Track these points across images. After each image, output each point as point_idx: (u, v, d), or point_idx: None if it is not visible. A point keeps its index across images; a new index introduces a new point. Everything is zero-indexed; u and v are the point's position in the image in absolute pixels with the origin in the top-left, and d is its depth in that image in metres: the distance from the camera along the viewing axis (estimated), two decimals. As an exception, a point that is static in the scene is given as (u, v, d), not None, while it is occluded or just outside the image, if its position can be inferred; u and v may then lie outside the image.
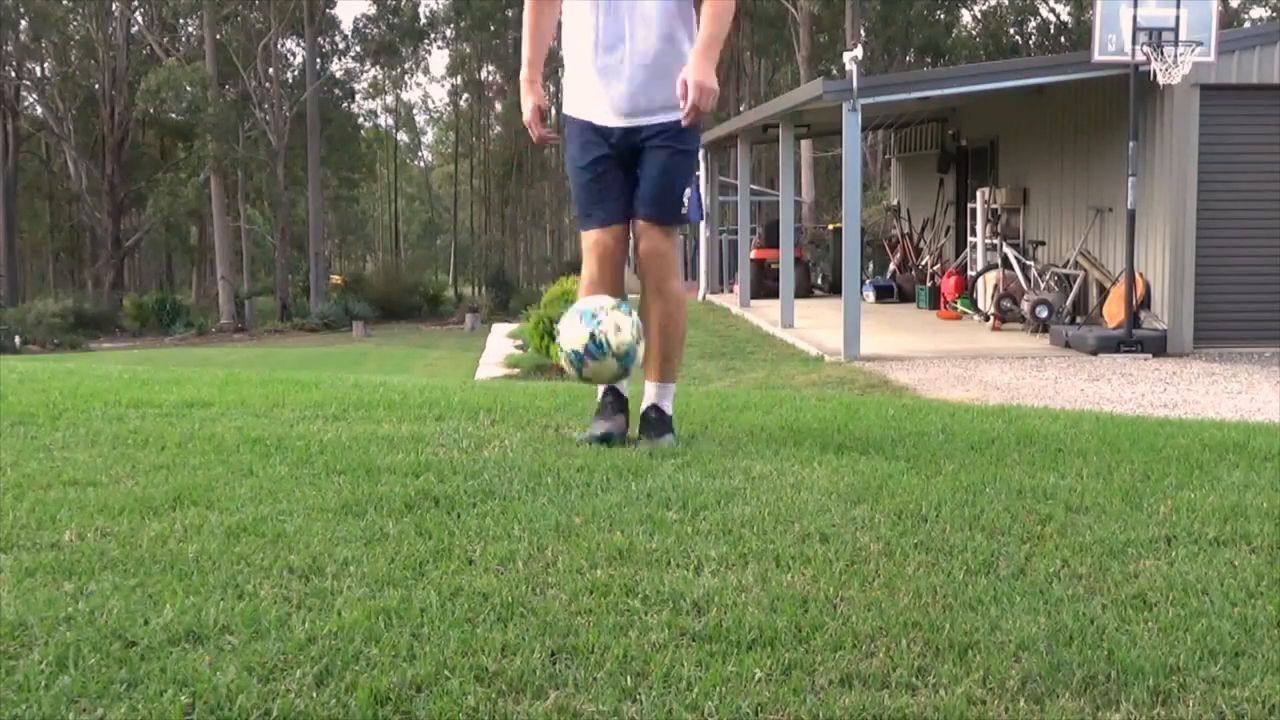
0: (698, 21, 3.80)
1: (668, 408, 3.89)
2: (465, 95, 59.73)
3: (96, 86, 45.46)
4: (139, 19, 47.87)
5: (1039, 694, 1.89)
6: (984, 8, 50.81)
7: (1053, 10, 50.57)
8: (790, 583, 2.35)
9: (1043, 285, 14.27)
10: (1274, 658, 2.03)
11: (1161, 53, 11.74)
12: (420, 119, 73.62)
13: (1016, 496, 3.08)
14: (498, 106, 58.36)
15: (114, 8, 45.19)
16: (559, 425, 4.06)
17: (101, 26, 44.76)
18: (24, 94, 46.85)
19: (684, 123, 3.69)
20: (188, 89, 40.90)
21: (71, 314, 37.42)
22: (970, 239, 16.88)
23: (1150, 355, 12.25)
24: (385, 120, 65.83)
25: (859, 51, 13.12)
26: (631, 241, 3.94)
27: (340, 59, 51.41)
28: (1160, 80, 11.90)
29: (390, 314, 43.16)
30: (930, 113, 18.19)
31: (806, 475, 3.28)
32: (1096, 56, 12.30)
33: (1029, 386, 10.38)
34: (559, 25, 3.89)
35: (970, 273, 16.20)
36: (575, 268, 4.16)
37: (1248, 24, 40.22)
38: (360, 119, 57.69)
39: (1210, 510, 2.96)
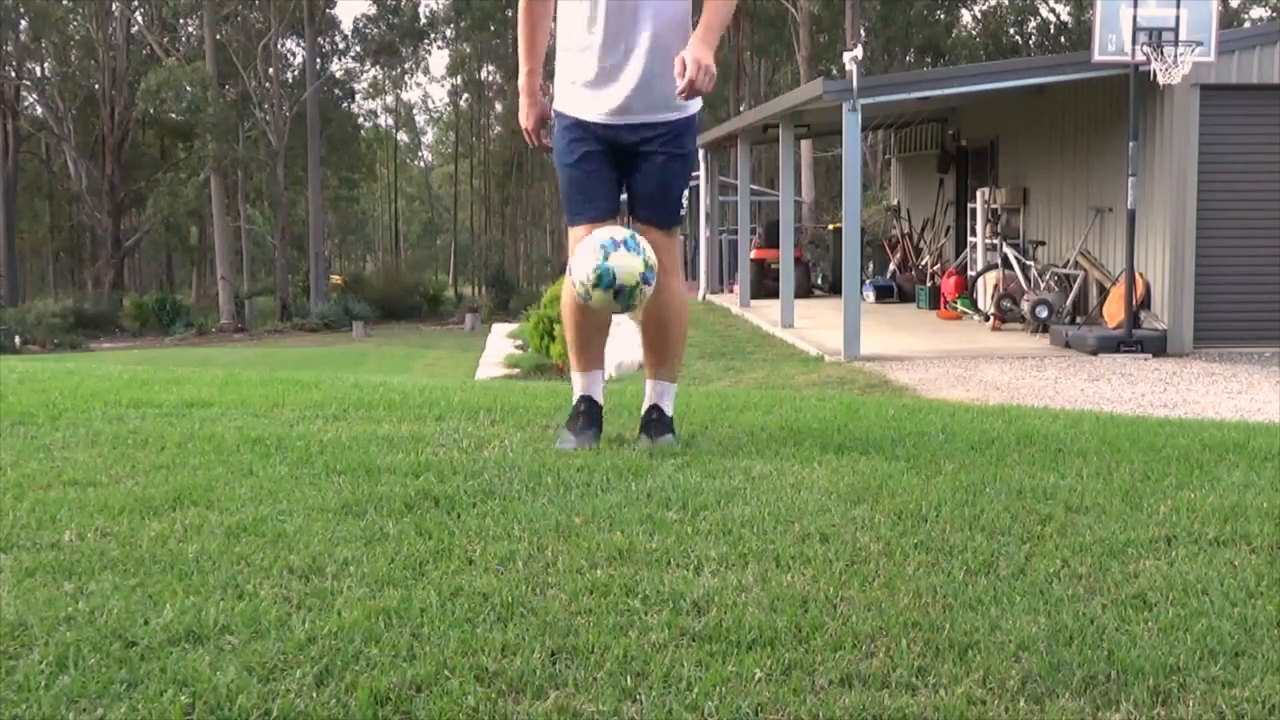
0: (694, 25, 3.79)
1: (668, 407, 3.88)
2: (465, 95, 59.75)
3: (96, 86, 45.47)
4: (139, 19, 47.89)
5: (1039, 694, 1.89)
6: (984, 8, 50.85)
7: (1053, 10, 50.60)
8: (790, 583, 2.35)
9: (1043, 285, 14.27)
10: (1274, 658, 2.03)
11: (1161, 53, 11.74)
12: (420, 119, 73.70)
13: (1016, 496, 3.08)
14: (498, 106, 58.36)
15: (114, 8, 45.20)
16: (559, 425, 4.06)
17: (101, 26, 44.77)
18: (24, 94, 46.87)
19: (680, 98, 3.61)
20: (188, 89, 40.91)
21: (71, 314, 37.44)
22: (970, 239, 16.88)
23: (1150, 355, 12.26)
24: (385, 120, 65.92)
25: (859, 51, 13.12)
26: None
27: (340, 59, 51.47)
28: (1160, 80, 11.90)
29: (390, 314, 43.17)
30: (930, 113, 18.19)
31: (806, 475, 3.28)
32: (1096, 56, 12.30)
33: (1029, 386, 10.38)
34: (559, 23, 3.86)
35: (970, 273, 16.20)
36: (575, 267, 4.11)
37: (1248, 24, 40.22)
38: (360, 119, 57.72)
39: (1210, 510, 2.96)
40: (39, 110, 47.14)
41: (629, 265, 3.46)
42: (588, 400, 3.87)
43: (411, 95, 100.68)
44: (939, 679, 1.93)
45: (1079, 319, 13.96)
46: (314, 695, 1.83)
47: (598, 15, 3.66)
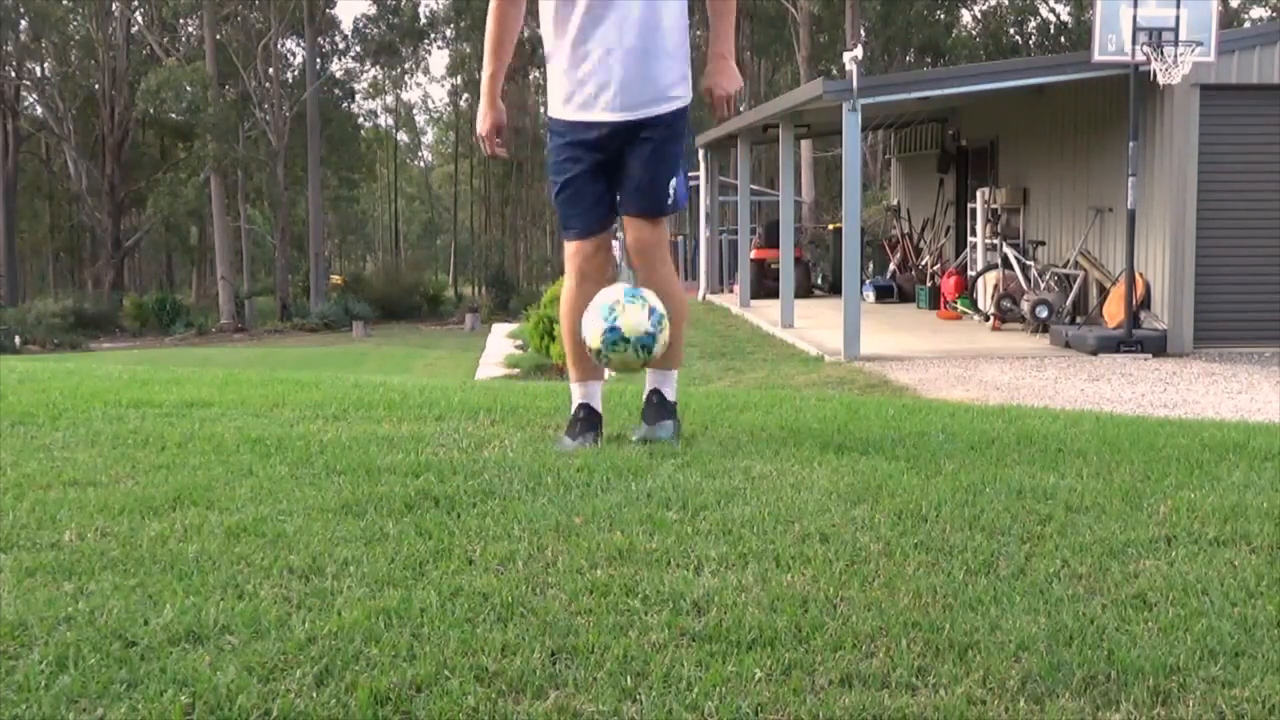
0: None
1: (670, 393, 3.87)
2: (465, 95, 59.73)
3: (96, 86, 45.48)
4: (139, 19, 47.88)
5: (1039, 694, 1.89)
6: (984, 8, 50.86)
7: (1053, 10, 50.60)
8: (790, 583, 2.35)
9: (1043, 285, 14.27)
10: (1274, 658, 2.03)
11: (1161, 53, 11.74)
12: (420, 119, 73.71)
13: (1016, 496, 3.08)
14: (498, 106, 58.23)
15: (114, 8, 45.20)
16: (559, 425, 4.06)
17: (101, 26, 44.77)
18: (24, 94, 46.86)
19: (716, 120, 3.77)
20: (188, 89, 40.92)
21: (71, 314, 37.44)
22: (970, 239, 16.89)
23: (1150, 355, 12.26)
24: (385, 120, 65.94)
25: (859, 51, 13.12)
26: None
27: (340, 59, 51.47)
28: (1160, 80, 11.90)
29: (390, 314, 43.17)
30: (930, 113, 18.19)
31: (806, 475, 3.27)
32: (1096, 56, 12.30)
33: (1029, 386, 10.38)
34: (544, 25, 3.85)
35: (970, 273, 16.20)
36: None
37: (1248, 24, 40.22)
38: (360, 119, 57.73)
39: (1210, 510, 2.96)
40: (39, 110, 47.14)
41: (636, 321, 3.55)
42: (586, 408, 3.87)
43: (411, 95, 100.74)
44: (939, 679, 1.93)
45: (1079, 319, 13.96)
46: (314, 695, 1.83)
47: (586, 13, 3.66)
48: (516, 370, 15.29)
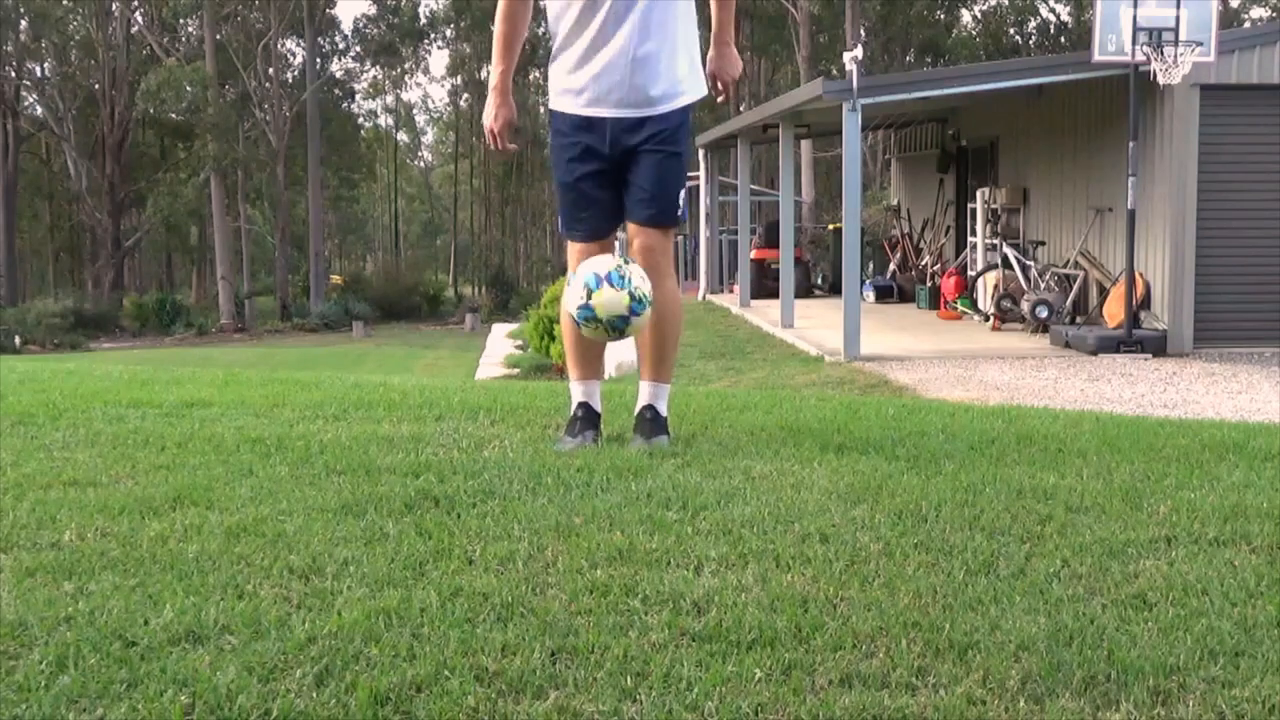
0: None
1: (663, 409, 3.86)
2: (465, 95, 59.74)
3: (96, 86, 45.48)
4: (139, 19, 47.88)
5: (1039, 694, 1.89)
6: (984, 8, 50.87)
7: (1053, 10, 50.61)
8: (790, 583, 2.35)
9: (1043, 285, 14.27)
10: (1274, 658, 2.03)
11: (1161, 53, 11.74)
12: (420, 119, 73.73)
13: (1016, 496, 3.08)
14: (498, 106, 58.22)
15: (114, 8, 45.20)
16: (559, 425, 4.05)
17: (101, 26, 44.77)
18: (24, 94, 46.85)
19: (719, 101, 3.78)
20: (188, 89, 40.92)
21: (71, 314, 37.44)
22: (970, 239, 16.89)
23: (1150, 355, 12.26)
24: (385, 120, 65.95)
25: (859, 51, 13.12)
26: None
27: (340, 59, 51.46)
28: (1160, 80, 11.91)
29: (390, 314, 43.18)
30: (930, 113, 18.19)
31: (806, 475, 3.27)
32: (1096, 56, 12.30)
33: (1029, 386, 10.38)
34: (550, 19, 3.85)
35: (970, 273, 16.20)
36: (575, 268, 4.13)
37: (1248, 24, 40.22)
38: (360, 119, 57.77)
39: (1210, 510, 2.96)
40: (39, 110, 47.13)
41: (612, 303, 3.52)
42: (585, 406, 3.87)
43: (411, 95, 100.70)
44: (939, 679, 1.93)
45: (1079, 319, 13.96)
46: (314, 695, 1.83)
47: (596, 9, 3.66)
48: (516, 370, 15.29)
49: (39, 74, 47.11)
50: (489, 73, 4.05)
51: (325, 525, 2.70)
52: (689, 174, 4.08)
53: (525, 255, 59.51)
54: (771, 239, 18.80)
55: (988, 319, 14.97)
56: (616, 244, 3.96)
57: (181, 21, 47.87)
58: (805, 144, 30.91)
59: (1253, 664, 2.00)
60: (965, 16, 51.02)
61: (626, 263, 3.61)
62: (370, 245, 69.14)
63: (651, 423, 3.81)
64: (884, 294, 18.99)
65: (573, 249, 3.86)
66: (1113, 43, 12.16)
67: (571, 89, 3.77)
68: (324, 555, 2.48)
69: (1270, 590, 2.37)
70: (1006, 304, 14.47)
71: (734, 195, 21.89)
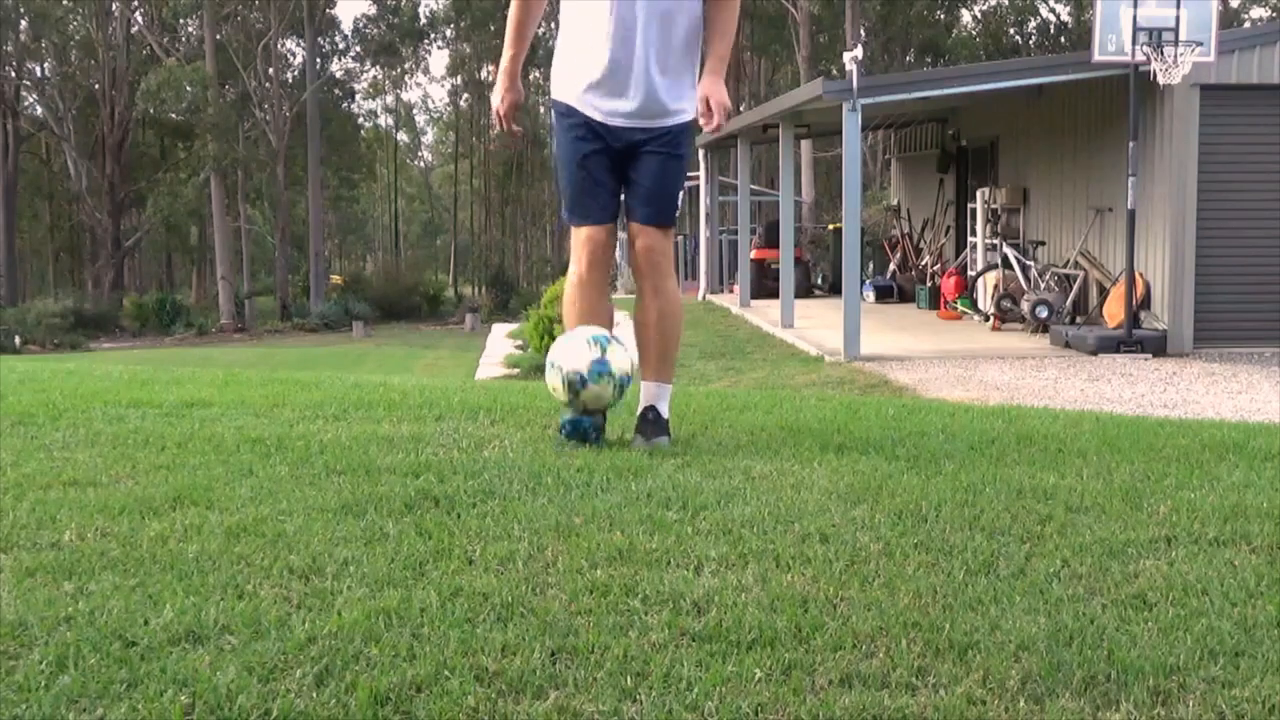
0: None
1: (664, 410, 3.86)
2: (465, 95, 59.76)
3: (96, 86, 45.48)
4: (139, 19, 47.88)
5: (1039, 694, 1.89)
6: (984, 8, 50.87)
7: (1053, 10, 50.60)
8: (790, 583, 2.35)
9: (1043, 285, 14.27)
10: (1274, 658, 2.03)
11: (1161, 53, 11.74)
12: (420, 119, 73.74)
13: (1016, 496, 3.08)
14: (497, 106, 58.20)
15: (114, 8, 45.20)
16: (558, 425, 4.05)
17: (101, 26, 44.77)
18: (24, 94, 46.85)
19: (707, 130, 3.76)
20: (188, 89, 40.93)
21: (71, 314, 37.45)
22: (970, 239, 16.89)
23: (1150, 355, 12.26)
24: (385, 120, 65.96)
25: (859, 51, 13.12)
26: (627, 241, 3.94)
27: (340, 59, 51.46)
28: (1160, 80, 11.90)
29: (390, 314, 43.19)
30: (930, 113, 18.19)
31: (806, 475, 3.27)
32: (1096, 56, 12.30)
33: (1029, 386, 10.38)
34: (561, 14, 3.86)
35: (970, 273, 16.20)
36: (575, 268, 4.13)
37: (1248, 24, 40.22)
38: (360, 119, 57.75)
39: (1210, 510, 2.96)
40: (39, 110, 47.14)
41: (599, 397, 3.64)
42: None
43: (411, 95, 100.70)
44: (939, 679, 1.93)
45: (1079, 319, 13.96)
46: (314, 695, 1.83)
47: (611, 19, 3.66)
48: (516, 370, 15.29)
49: (39, 74, 47.14)
50: (489, 72, 4.07)
51: (325, 525, 2.70)
52: (689, 174, 4.10)
53: (525, 255, 59.52)
54: (771, 239, 18.79)
55: (988, 319, 14.96)
56: (616, 243, 3.97)
57: (181, 21, 47.88)
58: (805, 144, 30.91)
59: (1253, 664, 2.00)
60: (965, 16, 51.06)
61: (605, 345, 3.63)
62: (370, 245, 69.15)
63: (653, 424, 3.81)
64: (884, 294, 18.99)
65: (581, 235, 3.85)
66: (1113, 43, 12.16)
67: (580, 92, 3.77)
68: (324, 555, 2.48)
69: (1270, 590, 2.37)
70: (1006, 304, 14.47)
71: (734, 195, 21.90)
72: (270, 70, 45.13)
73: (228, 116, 42.46)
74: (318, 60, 46.29)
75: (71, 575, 2.34)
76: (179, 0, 43.91)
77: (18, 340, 33.09)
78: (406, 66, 60.37)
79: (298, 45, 48.44)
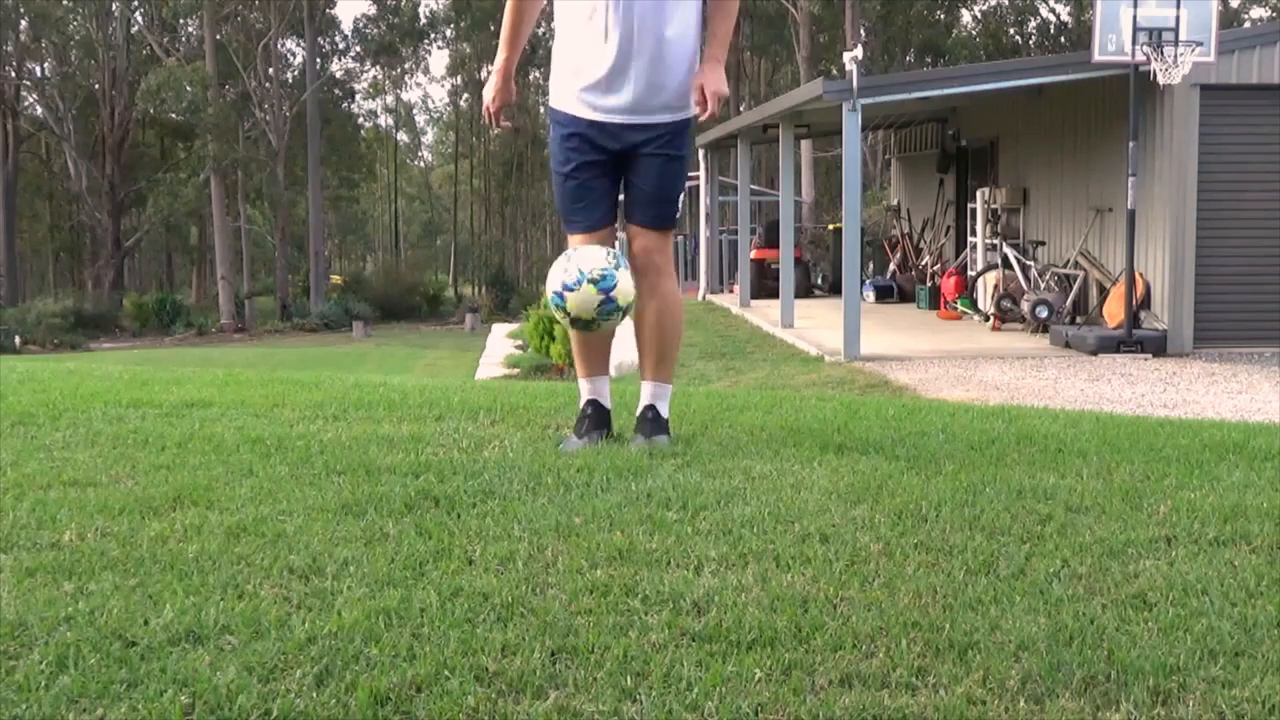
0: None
1: (664, 410, 3.85)
2: (465, 95, 59.74)
3: (96, 86, 45.48)
4: (139, 19, 47.89)
5: (1039, 694, 1.89)
6: (984, 8, 50.86)
7: (1053, 10, 50.61)
8: (790, 583, 2.35)
9: (1043, 285, 14.27)
10: (1274, 658, 2.03)
11: (1161, 53, 11.74)
12: (420, 119, 73.76)
13: (1016, 496, 3.08)
14: (498, 106, 58.22)
15: (114, 8, 45.19)
16: (559, 425, 4.06)
17: (101, 26, 44.77)
18: (24, 94, 46.86)
19: (701, 120, 3.75)
20: (188, 89, 40.92)
21: (71, 314, 37.45)
22: (970, 239, 16.89)
23: (1150, 355, 12.26)
24: (385, 120, 65.95)
25: (859, 51, 13.12)
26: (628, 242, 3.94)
27: (340, 59, 51.45)
28: (1160, 80, 11.91)
29: (390, 314, 43.19)
30: (930, 113, 18.19)
31: (806, 475, 3.27)
32: (1096, 56, 12.30)
33: (1029, 386, 10.38)
34: (556, 17, 3.86)
35: (970, 273, 16.20)
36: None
37: (1248, 24, 40.22)
38: (360, 119, 57.73)
39: (1210, 510, 2.96)
40: (39, 110, 47.14)
41: (585, 301, 3.56)
42: (594, 404, 3.87)
43: (411, 95, 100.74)
44: (939, 679, 1.93)
45: (1079, 319, 13.96)
46: (314, 695, 1.83)
47: (609, 17, 3.66)
48: (516, 370, 15.29)
49: (39, 74, 47.14)
50: (489, 72, 4.06)
51: (325, 525, 2.70)
52: (689, 174, 4.09)
53: (525, 255, 59.50)
54: (771, 239, 18.80)
55: (988, 319, 14.96)
56: (616, 243, 3.96)
57: (181, 21, 47.88)
58: (805, 144, 30.91)
59: (1253, 664, 2.00)
60: (965, 16, 51.05)
61: (617, 265, 3.59)
62: (370, 245, 69.15)
63: (653, 423, 3.80)
64: (884, 294, 18.99)
65: (575, 242, 3.85)
66: (1113, 43, 12.16)
67: (577, 91, 3.76)
68: (324, 555, 2.48)
69: (1270, 590, 2.37)
70: (1006, 304, 14.47)
71: (734, 195, 21.89)
72: (270, 70, 45.12)
73: (228, 116, 42.45)
74: (318, 60, 46.28)
75: (71, 575, 2.34)
76: (179, 0, 43.90)
77: (18, 340, 33.09)
78: (406, 66, 60.41)
79: (298, 45, 48.45)
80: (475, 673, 1.91)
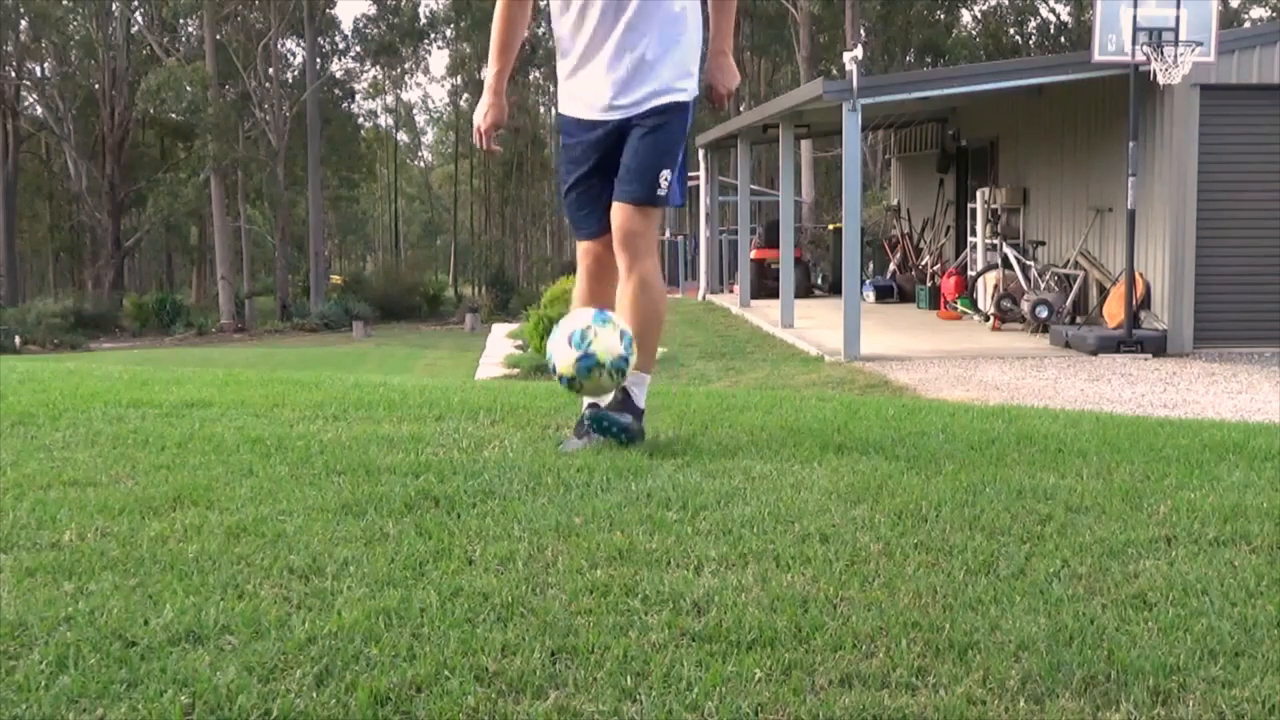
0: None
1: (638, 397, 3.75)
2: (465, 95, 59.72)
3: (96, 86, 45.48)
4: (139, 19, 47.89)
5: (1039, 694, 1.89)
6: (984, 8, 50.86)
7: (1053, 10, 50.62)
8: (790, 583, 2.35)
9: (1043, 285, 14.27)
10: (1274, 658, 2.03)
11: (1161, 53, 11.74)
12: (420, 119, 73.76)
13: (1016, 496, 3.08)
14: (497, 106, 58.23)
15: (114, 8, 45.20)
16: (559, 425, 4.06)
17: (101, 26, 44.78)
18: (24, 94, 46.86)
19: (718, 109, 3.82)
20: (188, 89, 40.93)
21: (71, 314, 37.46)
22: (970, 239, 16.89)
23: (1150, 355, 12.26)
24: (385, 120, 65.96)
25: (859, 51, 13.12)
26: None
27: (340, 59, 51.46)
28: (1160, 80, 11.91)
29: (390, 314, 43.20)
30: (930, 113, 18.19)
31: (806, 475, 3.27)
32: (1096, 56, 12.30)
33: (1029, 386, 10.38)
34: (552, 22, 3.87)
35: (970, 273, 16.20)
36: (575, 267, 4.16)
37: (1248, 24, 40.22)
38: (360, 119, 57.74)
39: (1210, 510, 2.96)
40: (39, 110, 47.14)
41: (608, 345, 3.55)
42: (595, 408, 3.85)
43: (411, 95, 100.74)
44: (939, 679, 1.93)
45: (1079, 319, 13.96)
46: (314, 695, 1.83)
47: (588, 10, 3.68)
48: (516, 370, 15.28)
49: (39, 74, 47.14)
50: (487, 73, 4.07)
51: (325, 525, 2.70)
52: (689, 174, 4.10)
53: (525, 255, 59.50)
54: (771, 239, 18.80)
55: (988, 319, 14.96)
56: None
57: (181, 21, 47.89)
58: (805, 144, 30.92)
59: (1253, 664, 2.00)
60: (965, 16, 51.06)
61: (585, 337, 3.55)
62: (370, 245, 69.15)
63: (622, 402, 3.72)
64: (884, 294, 18.99)
65: (581, 248, 3.95)
66: (1113, 43, 12.16)
67: (572, 92, 3.81)
68: (324, 555, 2.48)
69: (1270, 590, 2.37)
70: (1006, 304, 14.47)
71: (734, 195, 21.90)
72: (270, 70, 45.12)
73: (228, 116, 42.46)
74: (318, 60, 46.28)
75: (71, 575, 2.34)
76: (179, 0, 43.90)
77: (18, 340, 33.09)
78: (406, 66, 60.43)
79: (298, 45, 48.45)
80: (475, 673, 1.91)
